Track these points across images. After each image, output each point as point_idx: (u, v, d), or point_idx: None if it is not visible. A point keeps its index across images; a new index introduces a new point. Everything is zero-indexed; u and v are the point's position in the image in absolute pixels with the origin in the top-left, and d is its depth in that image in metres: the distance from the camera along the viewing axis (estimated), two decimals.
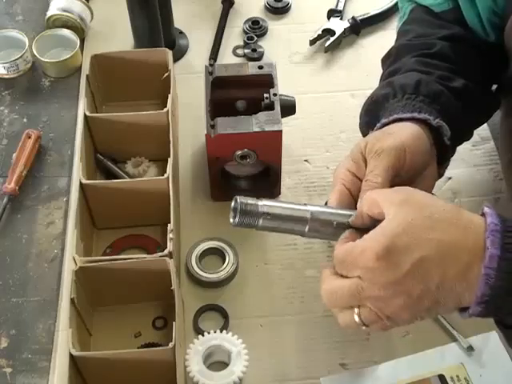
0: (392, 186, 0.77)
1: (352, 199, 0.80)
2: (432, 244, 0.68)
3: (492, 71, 0.96)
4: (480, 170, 1.14)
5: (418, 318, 0.72)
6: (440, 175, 0.89)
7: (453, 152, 0.90)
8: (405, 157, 0.80)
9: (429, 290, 0.69)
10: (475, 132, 1.16)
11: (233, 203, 0.76)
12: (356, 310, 0.72)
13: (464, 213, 0.71)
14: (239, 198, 0.76)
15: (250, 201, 0.76)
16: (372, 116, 0.91)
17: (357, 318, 0.72)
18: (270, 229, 0.78)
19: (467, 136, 0.97)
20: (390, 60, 0.98)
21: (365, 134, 0.91)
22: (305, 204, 0.77)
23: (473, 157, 1.15)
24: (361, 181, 0.80)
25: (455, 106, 0.89)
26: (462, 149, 1.16)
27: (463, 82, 0.91)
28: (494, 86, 0.99)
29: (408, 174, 0.81)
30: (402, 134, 0.82)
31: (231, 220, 0.76)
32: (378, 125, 0.87)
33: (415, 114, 0.84)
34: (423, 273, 0.68)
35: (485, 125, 1.18)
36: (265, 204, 0.76)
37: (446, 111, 0.87)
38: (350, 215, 0.77)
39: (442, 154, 0.87)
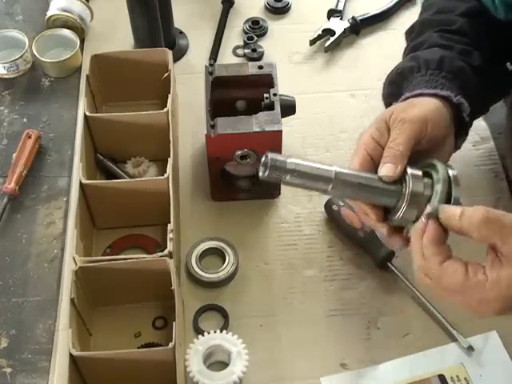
0: (412, 154, 0.83)
1: (373, 164, 0.84)
2: None
3: (507, 48, 1.01)
4: (480, 170, 1.14)
5: None
6: (457, 148, 0.94)
7: (470, 125, 0.95)
8: (426, 128, 0.85)
9: None
10: (475, 132, 1.17)
11: (263, 158, 0.79)
12: None
13: None
14: (270, 155, 0.79)
15: (280, 157, 0.79)
16: (396, 87, 0.96)
17: None
18: (296, 185, 0.82)
19: (484, 111, 1.02)
20: (414, 34, 1.03)
21: (387, 105, 0.97)
22: (330, 165, 0.82)
23: (473, 157, 1.15)
24: (383, 148, 0.84)
25: (474, 82, 0.94)
26: (462, 149, 1.16)
27: (482, 57, 0.96)
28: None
29: (428, 144, 0.86)
30: (426, 107, 0.87)
31: (260, 174, 0.80)
32: (403, 97, 0.91)
33: (438, 91, 0.89)
34: None
35: (485, 125, 1.18)
36: (293, 162, 0.80)
37: (466, 87, 0.92)
38: (372, 178, 0.82)
39: (461, 129, 0.92)
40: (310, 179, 0.81)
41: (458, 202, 0.80)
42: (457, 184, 0.81)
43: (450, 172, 0.81)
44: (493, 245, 0.75)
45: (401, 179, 0.82)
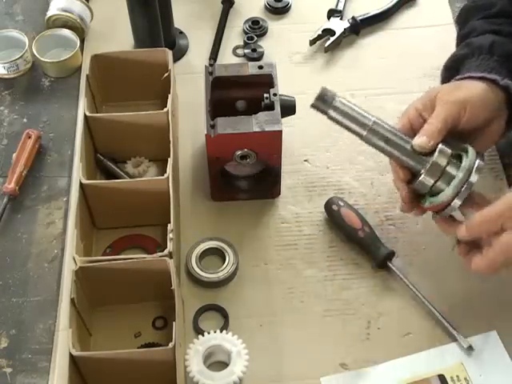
0: (453, 133, 0.91)
1: (412, 133, 0.92)
2: None
3: None
4: None
5: None
6: (505, 135, 0.99)
7: None
8: (465, 111, 0.91)
9: None
10: None
11: (319, 90, 0.92)
12: None
13: None
14: (324, 88, 0.93)
15: (330, 93, 0.93)
16: (452, 73, 1.01)
17: None
18: (337, 122, 0.94)
19: None
20: (460, 22, 1.10)
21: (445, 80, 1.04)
22: (373, 115, 0.93)
23: None
24: (424, 121, 0.92)
25: None
26: None
27: None
28: None
29: (469, 126, 0.92)
30: (470, 90, 0.93)
31: (312, 102, 0.93)
32: (453, 80, 0.98)
33: (485, 74, 0.94)
34: None
35: None
36: (340, 100, 0.92)
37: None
38: (405, 139, 0.92)
39: None
40: (350, 120, 0.93)
41: (470, 187, 0.87)
42: (478, 173, 0.88)
43: (477, 162, 0.88)
44: None
45: (431, 152, 0.90)
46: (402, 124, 0.94)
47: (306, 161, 1.16)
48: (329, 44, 1.29)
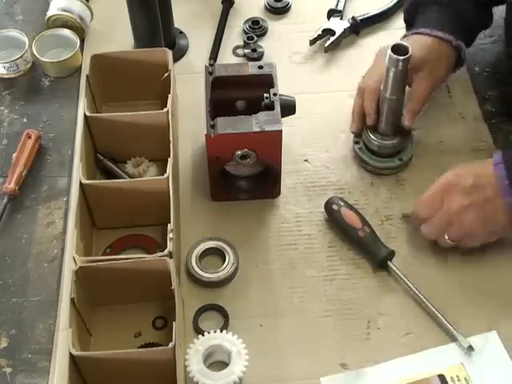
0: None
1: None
2: None
3: None
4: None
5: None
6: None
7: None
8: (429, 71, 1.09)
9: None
10: (475, 134, 1.17)
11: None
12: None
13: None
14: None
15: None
16: (412, 17, 1.16)
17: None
18: None
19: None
20: None
21: (407, 22, 1.20)
22: None
23: (473, 157, 1.15)
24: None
25: (475, 18, 1.14)
26: (463, 150, 1.16)
27: None
28: None
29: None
30: (430, 53, 1.09)
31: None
32: (410, 32, 1.13)
33: (441, 34, 1.09)
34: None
35: (486, 127, 1.18)
36: None
37: (468, 26, 1.13)
38: None
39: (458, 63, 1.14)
40: None
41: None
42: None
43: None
44: None
45: None
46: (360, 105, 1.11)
47: (306, 161, 1.16)
48: (329, 44, 1.29)
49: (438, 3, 1.12)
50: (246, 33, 1.33)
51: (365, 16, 1.33)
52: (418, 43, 1.08)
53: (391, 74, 1.03)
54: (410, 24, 1.18)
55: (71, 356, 0.85)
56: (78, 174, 1.01)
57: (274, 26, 1.35)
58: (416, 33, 1.11)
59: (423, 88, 1.09)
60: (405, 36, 1.14)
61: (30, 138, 1.16)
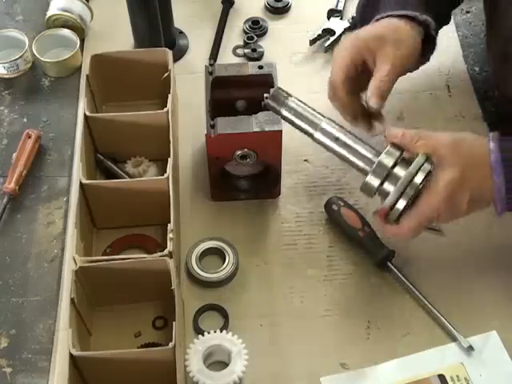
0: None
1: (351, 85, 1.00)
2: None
3: None
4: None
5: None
6: (426, 60, 1.07)
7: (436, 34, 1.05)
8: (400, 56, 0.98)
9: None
10: (475, 134, 1.17)
11: (273, 88, 0.98)
12: None
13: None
14: (278, 87, 0.99)
15: (283, 93, 0.98)
16: (368, 9, 1.07)
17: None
18: (289, 121, 0.98)
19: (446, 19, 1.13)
20: None
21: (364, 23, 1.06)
22: (323, 116, 0.96)
23: None
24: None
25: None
26: None
27: None
28: None
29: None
30: (399, 35, 0.99)
31: (264, 101, 0.98)
32: (374, 19, 1.02)
33: (405, 12, 1.00)
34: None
35: (486, 127, 1.18)
36: (293, 100, 0.97)
37: (433, 4, 1.03)
38: (356, 140, 0.94)
39: (429, 43, 1.05)
40: (302, 120, 0.96)
41: (415, 188, 0.88)
42: (423, 174, 0.88)
43: (425, 164, 0.88)
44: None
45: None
46: (340, 79, 1.00)
47: (306, 161, 1.16)
48: (329, 44, 1.29)
49: None
50: (245, 33, 1.33)
51: None
52: (373, 25, 1.02)
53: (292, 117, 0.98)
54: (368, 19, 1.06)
55: (71, 356, 0.85)
56: (78, 174, 1.01)
57: (274, 25, 1.35)
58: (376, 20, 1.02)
59: (384, 66, 0.97)
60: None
61: (29, 137, 1.16)
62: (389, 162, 0.89)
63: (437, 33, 1.05)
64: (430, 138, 0.90)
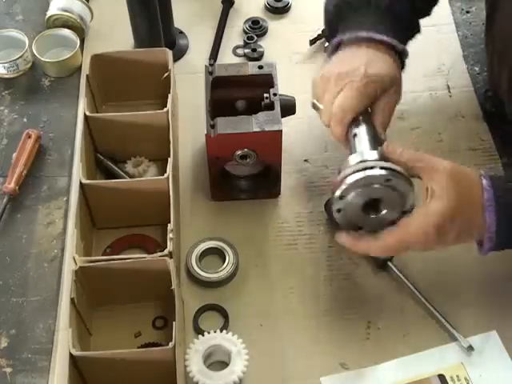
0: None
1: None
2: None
3: None
4: (480, 169, 1.14)
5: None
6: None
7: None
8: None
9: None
10: (475, 134, 1.17)
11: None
12: None
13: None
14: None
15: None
16: (333, 25, 1.03)
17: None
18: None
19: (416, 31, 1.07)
20: None
21: (329, 32, 1.05)
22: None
23: (473, 157, 1.15)
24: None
25: (406, 10, 1.01)
26: (463, 149, 1.16)
27: None
28: None
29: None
30: (379, 68, 0.95)
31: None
32: (338, 38, 1.00)
33: (373, 34, 0.97)
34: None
35: (486, 127, 1.18)
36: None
37: (400, 21, 1.00)
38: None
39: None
40: None
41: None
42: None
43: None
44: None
45: None
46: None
47: (306, 161, 1.16)
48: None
49: (375, 6, 1.00)
50: (246, 33, 1.33)
51: None
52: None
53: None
54: (333, 29, 1.03)
55: (71, 356, 0.85)
56: (78, 173, 1.01)
57: (274, 25, 1.35)
58: (364, 38, 0.98)
59: (393, 103, 0.97)
60: (339, 44, 1.00)
61: (29, 137, 1.16)
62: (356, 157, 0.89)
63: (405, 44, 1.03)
64: (428, 162, 0.88)
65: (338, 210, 0.89)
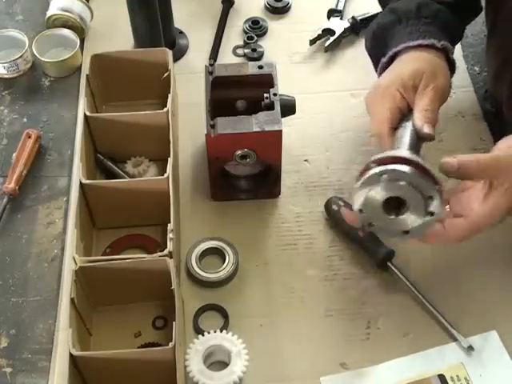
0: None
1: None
2: None
3: None
4: None
5: None
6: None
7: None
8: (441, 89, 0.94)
9: None
10: (475, 134, 1.17)
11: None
12: None
13: None
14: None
15: None
16: (380, 40, 1.02)
17: None
18: None
19: (460, 39, 1.10)
20: None
21: (374, 57, 1.05)
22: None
23: None
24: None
25: (452, 19, 1.02)
26: (463, 149, 1.16)
27: None
28: None
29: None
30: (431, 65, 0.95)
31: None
32: (390, 53, 0.98)
33: (421, 41, 0.96)
34: None
35: (486, 127, 1.18)
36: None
37: (447, 27, 1.00)
38: None
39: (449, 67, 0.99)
40: None
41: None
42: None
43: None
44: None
45: None
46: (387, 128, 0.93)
47: (306, 161, 1.16)
48: (329, 44, 1.29)
49: (422, 16, 0.99)
50: (246, 33, 1.33)
51: (365, 16, 1.33)
52: (399, 63, 0.97)
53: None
54: (379, 52, 1.02)
55: (71, 356, 0.85)
56: (78, 173, 1.01)
57: (274, 25, 1.35)
58: (399, 51, 0.98)
59: (426, 98, 0.93)
60: (388, 63, 0.99)
61: (29, 137, 1.16)
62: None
63: (453, 58, 1.01)
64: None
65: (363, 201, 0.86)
